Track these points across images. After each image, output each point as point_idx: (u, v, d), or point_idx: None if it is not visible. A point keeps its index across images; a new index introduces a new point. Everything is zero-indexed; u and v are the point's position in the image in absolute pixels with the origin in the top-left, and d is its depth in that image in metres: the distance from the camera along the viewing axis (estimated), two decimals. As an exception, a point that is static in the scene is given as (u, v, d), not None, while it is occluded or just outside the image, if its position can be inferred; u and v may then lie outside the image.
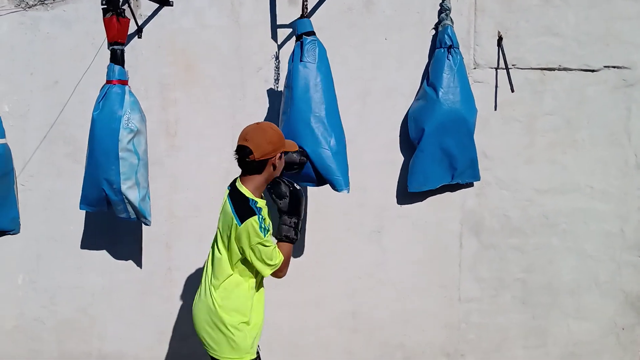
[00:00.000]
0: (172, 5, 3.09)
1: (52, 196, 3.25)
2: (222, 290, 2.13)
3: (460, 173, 2.96)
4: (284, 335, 3.24)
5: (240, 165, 2.14)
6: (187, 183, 3.17)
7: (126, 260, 3.26)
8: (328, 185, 2.68)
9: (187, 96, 3.14)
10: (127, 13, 2.84)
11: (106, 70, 2.72)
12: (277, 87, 3.09)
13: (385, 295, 3.18)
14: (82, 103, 3.16)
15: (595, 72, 3.02)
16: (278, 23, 3.07)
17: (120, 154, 2.67)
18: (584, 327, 3.16)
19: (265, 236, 2.04)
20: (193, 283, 3.17)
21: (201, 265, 2.25)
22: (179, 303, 3.24)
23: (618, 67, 3.01)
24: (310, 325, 3.22)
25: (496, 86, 3.05)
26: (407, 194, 3.08)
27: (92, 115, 2.71)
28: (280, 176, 2.24)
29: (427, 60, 3.02)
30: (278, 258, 2.11)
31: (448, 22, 2.88)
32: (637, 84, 3.02)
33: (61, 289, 3.30)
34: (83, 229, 3.26)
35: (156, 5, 3.08)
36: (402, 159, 3.10)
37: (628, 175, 3.08)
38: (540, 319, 3.17)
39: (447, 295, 3.18)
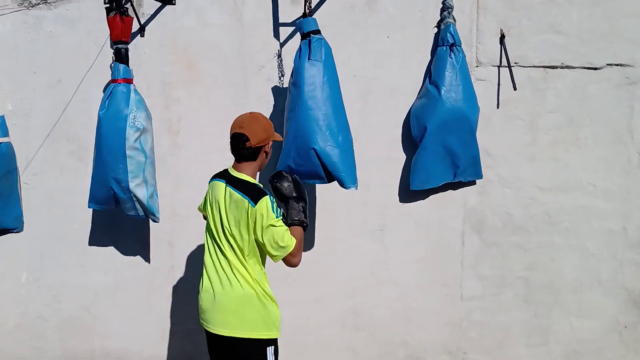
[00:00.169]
0: (174, 4, 3.09)
1: (56, 194, 3.26)
2: (251, 271, 2.14)
3: (462, 171, 2.96)
4: (286, 334, 3.21)
5: (235, 152, 2.19)
6: (189, 181, 3.17)
7: (129, 258, 3.27)
8: (329, 183, 2.70)
9: (190, 95, 3.15)
10: (130, 12, 2.85)
11: (109, 69, 2.73)
12: (281, 85, 3.09)
13: (387, 293, 3.18)
14: (85, 102, 3.17)
15: (598, 70, 3.02)
16: (280, 21, 3.07)
17: (127, 152, 2.70)
18: (586, 325, 3.16)
19: (278, 217, 2.08)
20: (196, 281, 3.14)
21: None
22: (182, 301, 3.25)
23: (621, 65, 3.01)
24: (312, 324, 3.22)
25: (498, 84, 3.04)
26: (409, 192, 3.08)
27: (98, 114, 2.73)
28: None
29: (429, 59, 3.02)
30: (290, 241, 2.12)
31: (450, 20, 2.88)
32: (640, 81, 3.01)
33: (64, 287, 3.31)
34: (86, 227, 3.27)
35: (158, 4, 3.08)
36: (405, 157, 3.10)
37: (631, 174, 3.07)
38: (542, 317, 3.17)
39: (449, 293, 3.18)
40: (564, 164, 3.08)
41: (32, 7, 3.18)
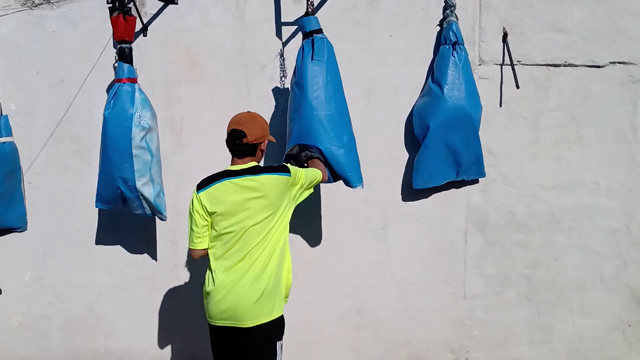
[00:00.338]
0: (177, 4, 3.09)
1: (59, 194, 3.27)
2: (280, 259, 2.24)
3: (465, 169, 2.96)
4: (289, 332, 3.22)
5: (232, 148, 2.23)
6: (192, 180, 3.13)
7: (133, 257, 3.28)
8: (332, 183, 2.70)
9: (192, 94, 3.15)
10: (133, 11, 2.85)
11: (112, 68, 2.73)
12: (283, 85, 3.09)
13: (389, 292, 3.18)
14: (88, 101, 3.18)
15: (601, 68, 3.02)
16: (283, 20, 3.07)
17: (133, 151, 2.71)
18: (589, 323, 3.16)
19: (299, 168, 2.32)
20: (199, 280, 3.18)
21: (207, 262, 2.25)
22: (185, 300, 3.26)
23: (624, 63, 3.00)
24: (315, 322, 3.23)
25: (501, 82, 3.04)
26: (412, 191, 3.08)
27: (104, 114, 2.74)
28: None
29: (432, 57, 3.02)
30: (315, 171, 2.39)
31: (453, 18, 2.88)
32: (643, 79, 3.01)
33: (68, 287, 3.32)
34: (89, 226, 3.27)
35: (161, 4, 3.09)
36: (407, 155, 3.10)
37: (634, 172, 3.07)
38: (545, 315, 3.17)
39: (452, 291, 3.18)
40: (567, 162, 3.07)
41: (35, 7, 3.18)
